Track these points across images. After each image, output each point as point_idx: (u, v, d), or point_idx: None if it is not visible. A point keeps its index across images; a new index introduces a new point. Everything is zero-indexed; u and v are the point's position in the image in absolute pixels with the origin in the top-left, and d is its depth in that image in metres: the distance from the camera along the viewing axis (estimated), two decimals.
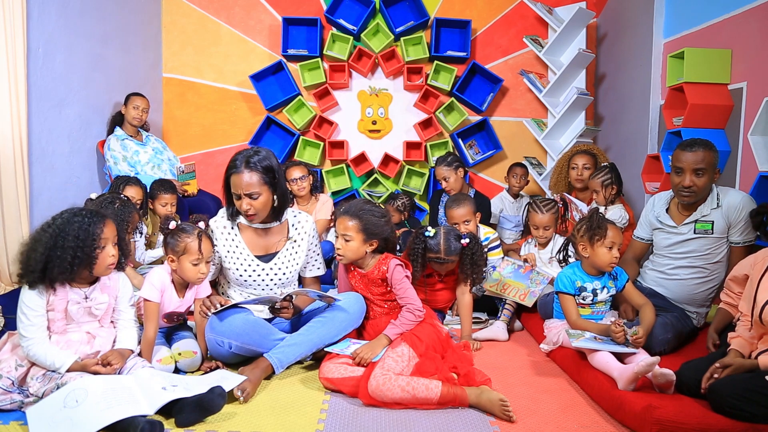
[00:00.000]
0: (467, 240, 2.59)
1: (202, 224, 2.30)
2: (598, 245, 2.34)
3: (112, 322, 2.09)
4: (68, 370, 1.85)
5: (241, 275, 2.42)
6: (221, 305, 2.28)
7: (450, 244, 2.58)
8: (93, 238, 1.87)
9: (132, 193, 3.21)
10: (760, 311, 1.93)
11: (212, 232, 2.44)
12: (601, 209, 3.37)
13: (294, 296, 2.36)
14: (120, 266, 2.05)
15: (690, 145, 2.46)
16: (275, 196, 2.39)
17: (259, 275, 2.43)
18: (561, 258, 2.61)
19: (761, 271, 2.02)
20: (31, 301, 1.87)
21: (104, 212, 1.99)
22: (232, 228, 2.44)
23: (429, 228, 2.61)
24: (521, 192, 4.28)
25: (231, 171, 2.33)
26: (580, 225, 2.43)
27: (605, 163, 3.50)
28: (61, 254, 1.83)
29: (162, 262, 2.37)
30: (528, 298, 2.84)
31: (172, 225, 2.22)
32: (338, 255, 2.39)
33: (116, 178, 3.41)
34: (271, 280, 2.45)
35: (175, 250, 2.19)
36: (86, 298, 1.96)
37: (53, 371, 1.86)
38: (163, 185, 3.47)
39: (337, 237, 2.39)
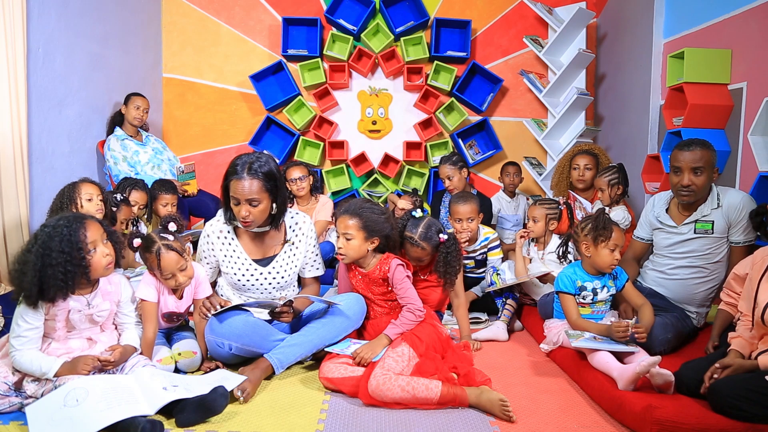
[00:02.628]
0: (446, 237, 2.56)
1: (171, 225, 2.23)
2: (602, 246, 2.34)
3: (115, 325, 2.09)
4: (57, 375, 1.84)
5: (239, 279, 2.42)
6: (221, 306, 2.28)
7: (428, 231, 2.54)
8: (78, 246, 1.81)
9: (136, 197, 3.22)
10: (762, 312, 1.93)
11: (208, 236, 2.43)
12: (605, 209, 3.38)
13: (293, 300, 2.35)
14: (117, 263, 2.01)
15: (687, 145, 2.46)
16: (274, 204, 2.35)
17: (257, 279, 2.42)
18: (560, 254, 2.61)
19: (761, 271, 2.02)
20: (27, 315, 1.84)
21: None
22: (229, 232, 2.43)
23: (418, 210, 2.60)
24: (517, 191, 4.31)
25: (231, 176, 2.27)
26: (585, 224, 2.43)
27: (613, 164, 3.52)
28: (52, 273, 1.78)
29: None
30: (526, 279, 2.90)
31: (137, 242, 2.16)
32: (340, 254, 2.39)
33: (122, 179, 3.41)
34: (270, 283, 2.44)
35: (149, 267, 2.21)
36: (88, 304, 1.95)
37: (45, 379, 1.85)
38: (164, 185, 3.47)
39: (338, 236, 2.39)
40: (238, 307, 2.30)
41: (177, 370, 2.23)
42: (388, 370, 2.04)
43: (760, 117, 2.84)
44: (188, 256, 2.25)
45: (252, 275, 2.41)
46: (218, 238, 2.42)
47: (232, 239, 2.42)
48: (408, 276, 2.38)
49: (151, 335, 2.16)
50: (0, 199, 2.98)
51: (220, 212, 2.46)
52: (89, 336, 1.99)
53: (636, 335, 2.14)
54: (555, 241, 3.08)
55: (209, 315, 2.25)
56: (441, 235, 2.54)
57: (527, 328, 2.98)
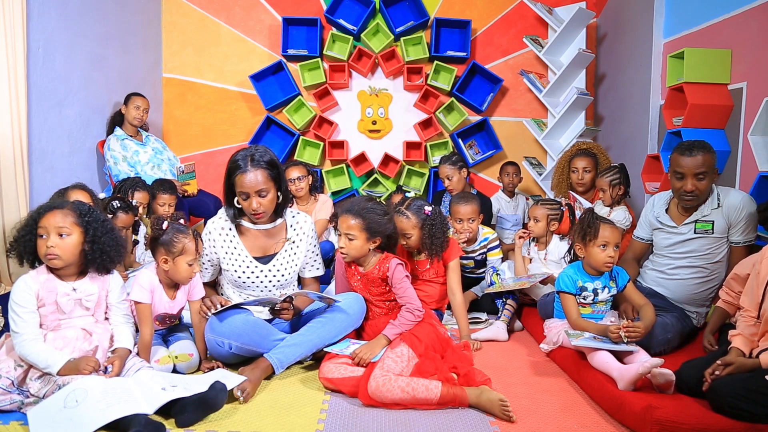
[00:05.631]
0: (430, 209, 2.65)
1: (182, 221, 2.28)
2: (591, 245, 2.34)
3: (106, 318, 2.08)
4: (60, 372, 1.83)
5: (239, 277, 2.42)
6: (221, 305, 2.28)
7: (415, 203, 2.67)
8: (28, 225, 1.92)
9: (138, 197, 3.21)
10: None
11: (210, 233, 2.43)
12: (606, 210, 3.38)
13: (294, 297, 2.36)
14: (103, 266, 2.01)
15: (689, 149, 2.44)
16: (279, 193, 2.38)
17: (257, 277, 2.42)
18: (570, 260, 2.61)
19: None
20: (19, 297, 1.88)
21: (59, 203, 1.99)
22: (230, 230, 2.43)
23: (413, 193, 2.84)
24: (516, 190, 4.32)
25: (236, 172, 2.29)
26: (577, 226, 2.44)
27: (615, 164, 3.52)
28: (15, 237, 1.95)
29: None
30: (527, 285, 2.90)
31: (165, 225, 2.19)
32: (342, 253, 2.40)
33: (121, 181, 3.40)
34: (270, 281, 2.45)
35: (172, 251, 2.16)
36: (74, 290, 1.96)
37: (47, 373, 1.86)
38: (163, 185, 3.47)
39: (339, 236, 2.39)
40: (237, 306, 2.30)
41: (176, 371, 2.23)
42: (387, 370, 2.04)
43: (760, 117, 2.84)
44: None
45: (252, 272, 2.42)
46: (219, 235, 2.43)
47: (234, 236, 2.43)
48: (407, 276, 2.39)
49: (148, 337, 2.15)
50: (0, 199, 2.98)
51: (221, 210, 2.47)
52: (83, 326, 1.99)
53: (630, 335, 2.13)
54: (555, 241, 3.08)
55: (209, 313, 2.25)
56: (426, 208, 2.65)
57: (527, 328, 2.98)
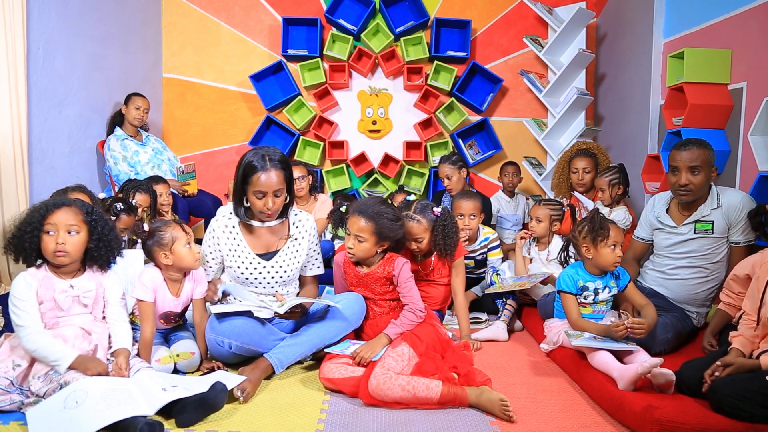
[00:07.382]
0: (439, 210, 2.62)
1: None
2: (602, 246, 2.34)
3: (104, 317, 2.08)
4: (71, 367, 1.84)
5: (242, 273, 2.43)
6: (223, 296, 2.35)
7: (422, 205, 2.62)
8: (34, 221, 1.90)
9: (140, 199, 3.21)
10: None
11: (214, 231, 2.45)
12: (606, 210, 3.38)
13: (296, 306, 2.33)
14: (102, 260, 2.03)
15: (684, 144, 2.48)
16: (288, 193, 2.42)
17: (260, 273, 2.43)
18: (562, 259, 2.61)
19: None
20: (20, 292, 1.89)
21: (65, 200, 1.99)
22: (234, 227, 2.45)
23: (413, 195, 2.76)
24: (516, 190, 4.32)
25: (254, 171, 2.29)
26: (582, 226, 2.43)
27: (614, 164, 3.53)
28: (16, 233, 1.92)
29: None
30: (527, 286, 2.88)
31: (146, 227, 2.22)
32: (349, 254, 2.40)
33: (125, 182, 3.38)
34: (273, 278, 2.45)
35: (164, 244, 2.20)
36: (71, 286, 1.97)
37: (53, 369, 1.86)
38: (154, 179, 3.47)
39: (348, 234, 2.39)
40: (237, 313, 2.30)
41: (176, 371, 2.23)
42: (388, 369, 2.04)
43: (760, 117, 2.84)
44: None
45: (255, 269, 2.42)
46: (223, 232, 2.44)
47: (237, 234, 2.44)
48: (412, 276, 2.39)
49: (149, 335, 2.16)
50: (0, 199, 2.98)
51: (222, 209, 2.49)
52: (82, 325, 1.99)
53: (635, 330, 2.13)
54: (556, 241, 3.08)
55: (215, 299, 2.31)
56: (435, 209, 2.61)
57: (527, 328, 2.98)
